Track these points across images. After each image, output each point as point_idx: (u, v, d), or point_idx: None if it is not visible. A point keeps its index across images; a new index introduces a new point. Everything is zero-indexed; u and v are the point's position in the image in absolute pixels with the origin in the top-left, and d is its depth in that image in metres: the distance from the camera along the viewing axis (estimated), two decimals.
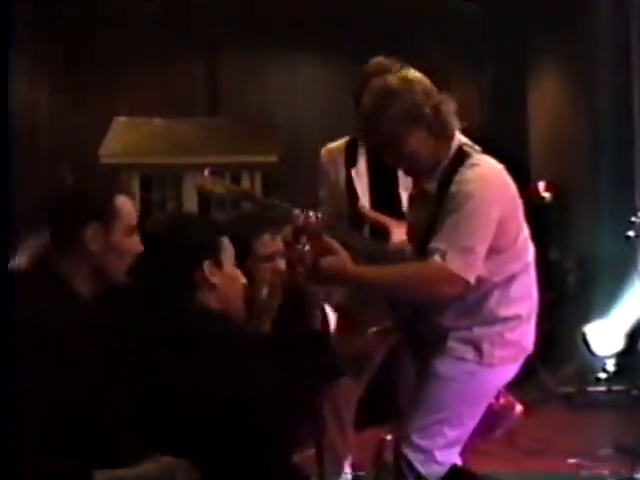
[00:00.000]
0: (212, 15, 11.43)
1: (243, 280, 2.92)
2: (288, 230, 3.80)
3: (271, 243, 3.43)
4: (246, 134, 11.16)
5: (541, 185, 9.11)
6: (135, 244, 2.62)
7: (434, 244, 3.18)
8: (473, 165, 3.30)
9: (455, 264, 3.15)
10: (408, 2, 11.17)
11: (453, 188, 3.25)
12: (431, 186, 3.37)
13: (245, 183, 10.72)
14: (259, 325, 3.25)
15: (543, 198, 9.01)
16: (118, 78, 11.68)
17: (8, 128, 2.59)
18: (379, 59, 4.10)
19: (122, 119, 11.09)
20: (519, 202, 3.40)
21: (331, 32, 11.41)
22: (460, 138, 3.41)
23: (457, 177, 3.26)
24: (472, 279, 3.18)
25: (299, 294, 3.33)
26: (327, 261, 3.19)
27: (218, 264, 2.76)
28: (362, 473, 4.30)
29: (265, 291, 3.33)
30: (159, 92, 11.57)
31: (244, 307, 3.00)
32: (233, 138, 11.08)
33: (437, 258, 3.15)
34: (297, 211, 3.79)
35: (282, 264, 3.41)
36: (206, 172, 3.87)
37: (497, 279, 3.32)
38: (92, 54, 11.54)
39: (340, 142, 4.29)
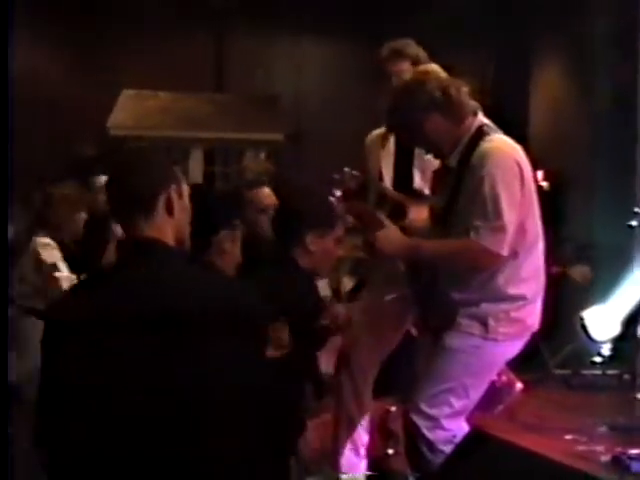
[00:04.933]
0: None
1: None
2: None
3: (269, 195, 3.73)
4: (252, 111, 11.21)
5: (539, 174, 9.19)
6: None
7: (472, 221, 3.38)
8: (491, 141, 3.48)
9: (488, 241, 3.35)
10: None
11: (473, 162, 3.44)
12: (452, 161, 3.56)
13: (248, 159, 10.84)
14: None
15: (541, 187, 9.08)
16: (124, 50, 11.72)
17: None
18: (395, 42, 4.26)
19: (130, 92, 11.14)
20: (532, 181, 3.56)
21: (337, 13, 11.47)
22: (481, 118, 3.58)
23: (476, 152, 3.45)
24: (505, 252, 3.39)
25: None
26: (384, 234, 3.54)
27: (234, 238, 3.06)
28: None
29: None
30: (166, 66, 11.58)
31: None
32: (239, 115, 11.11)
33: (473, 236, 3.36)
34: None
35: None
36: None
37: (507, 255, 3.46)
38: (96, 25, 11.55)
39: (382, 129, 4.43)
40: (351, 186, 4.16)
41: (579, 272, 8.08)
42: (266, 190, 3.98)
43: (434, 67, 3.69)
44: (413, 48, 4.24)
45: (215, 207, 3.22)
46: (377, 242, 3.53)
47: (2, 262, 3.33)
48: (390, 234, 3.56)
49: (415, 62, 4.11)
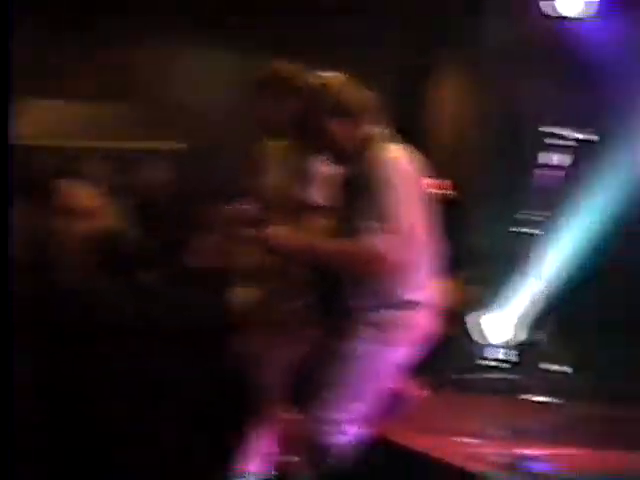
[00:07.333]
0: None
1: None
2: None
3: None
4: (152, 120, 11.14)
5: (436, 183, 9.28)
6: None
7: (367, 223, 3.41)
8: (387, 149, 3.56)
9: (382, 244, 3.41)
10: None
11: (369, 168, 3.50)
12: (349, 168, 3.62)
13: (148, 169, 10.76)
14: None
15: (438, 196, 9.15)
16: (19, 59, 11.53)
17: None
18: (278, 64, 4.28)
19: (27, 101, 10.99)
20: (424, 189, 3.64)
21: (238, 21, 11.46)
22: (379, 126, 3.65)
23: (373, 159, 3.52)
24: (397, 256, 3.44)
25: None
26: (275, 231, 3.60)
27: None
28: None
29: None
30: (63, 74, 11.43)
31: None
32: (138, 124, 11.05)
33: (367, 238, 3.40)
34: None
35: None
36: None
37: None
38: None
39: (271, 140, 4.44)
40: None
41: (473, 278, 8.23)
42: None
43: (332, 75, 3.74)
44: (281, 73, 4.23)
45: None
46: (270, 239, 3.55)
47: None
48: (281, 230, 3.58)
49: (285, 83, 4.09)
